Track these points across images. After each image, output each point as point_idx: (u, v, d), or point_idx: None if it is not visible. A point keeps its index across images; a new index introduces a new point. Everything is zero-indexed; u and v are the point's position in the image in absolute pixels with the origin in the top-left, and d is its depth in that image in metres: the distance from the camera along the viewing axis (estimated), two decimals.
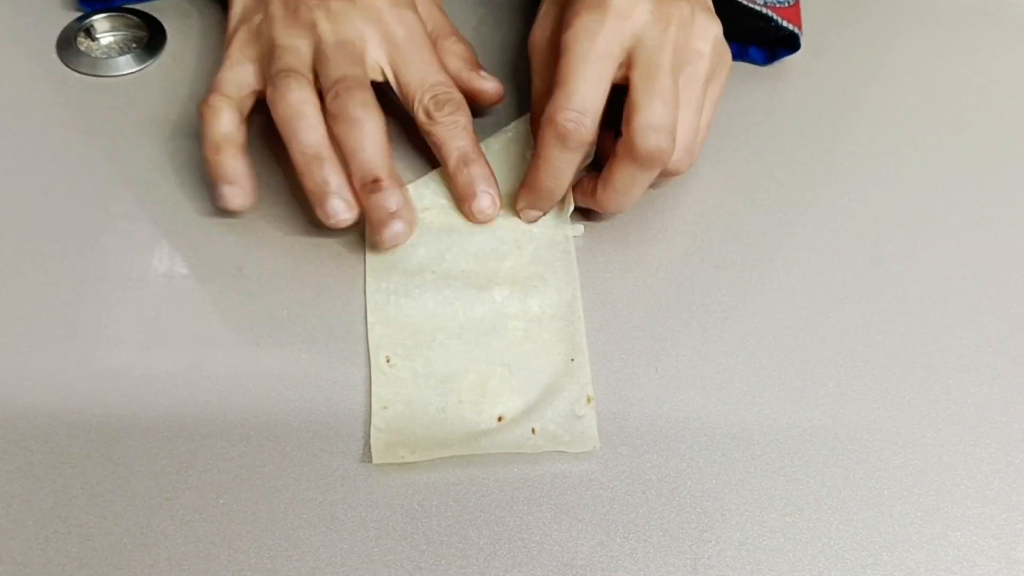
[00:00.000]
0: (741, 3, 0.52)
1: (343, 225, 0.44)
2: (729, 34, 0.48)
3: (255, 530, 0.39)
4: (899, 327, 0.47)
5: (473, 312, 0.45)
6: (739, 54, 0.56)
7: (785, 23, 0.53)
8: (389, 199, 0.44)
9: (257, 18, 0.48)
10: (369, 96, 0.44)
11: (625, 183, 0.44)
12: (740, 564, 0.39)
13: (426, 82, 0.47)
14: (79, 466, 0.40)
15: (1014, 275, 0.49)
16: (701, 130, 0.46)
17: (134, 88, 0.53)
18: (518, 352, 0.44)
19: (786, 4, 0.53)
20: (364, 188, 0.44)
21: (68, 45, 0.55)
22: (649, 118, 0.42)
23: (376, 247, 0.46)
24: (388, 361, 0.43)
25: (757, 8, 0.52)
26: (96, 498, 0.39)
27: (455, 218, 0.48)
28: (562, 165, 0.45)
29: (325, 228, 0.46)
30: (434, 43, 0.49)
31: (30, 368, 0.43)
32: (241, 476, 0.40)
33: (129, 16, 0.56)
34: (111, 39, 0.56)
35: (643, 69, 0.43)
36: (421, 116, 0.47)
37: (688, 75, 0.45)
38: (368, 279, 0.46)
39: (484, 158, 0.48)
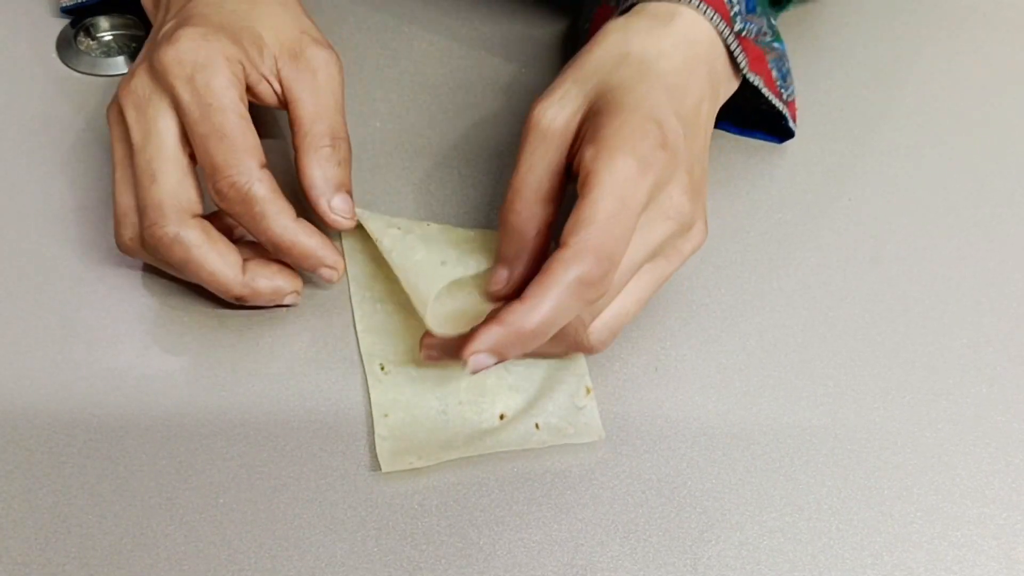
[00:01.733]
0: (765, 96, 0.49)
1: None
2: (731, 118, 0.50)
3: (255, 530, 0.39)
4: (899, 327, 0.47)
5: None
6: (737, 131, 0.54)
7: (791, 123, 0.51)
8: (259, 296, 0.43)
9: None
10: (171, 227, 0.40)
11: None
12: (740, 564, 0.39)
13: (210, 165, 0.41)
14: (79, 466, 0.40)
15: (1014, 275, 0.49)
16: (630, 315, 0.41)
17: None
18: None
19: (792, 97, 0.52)
20: (239, 301, 0.43)
21: (68, 45, 0.55)
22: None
23: None
24: (383, 369, 0.43)
25: (778, 106, 0.50)
26: (96, 498, 0.39)
27: (420, 251, 0.44)
28: (566, 313, 0.37)
29: (325, 227, 0.46)
30: (312, 141, 0.43)
31: (30, 368, 0.43)
32: (241, 476, 0.40)
33: (129, 16, 0.56)
34: (111, 38, 0.56)
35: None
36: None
37: (656, 267, 0.40)
38: (351, 287, 0.46)
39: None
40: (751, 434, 0.43)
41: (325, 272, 0.44)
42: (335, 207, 0.44)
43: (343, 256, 0.45)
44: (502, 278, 0.40)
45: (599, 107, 0.39)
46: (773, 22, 0.51)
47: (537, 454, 0.41)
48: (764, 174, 0.52)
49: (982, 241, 0.50)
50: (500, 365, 0.42)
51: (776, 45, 0.50)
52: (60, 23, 0.56)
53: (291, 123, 0.44)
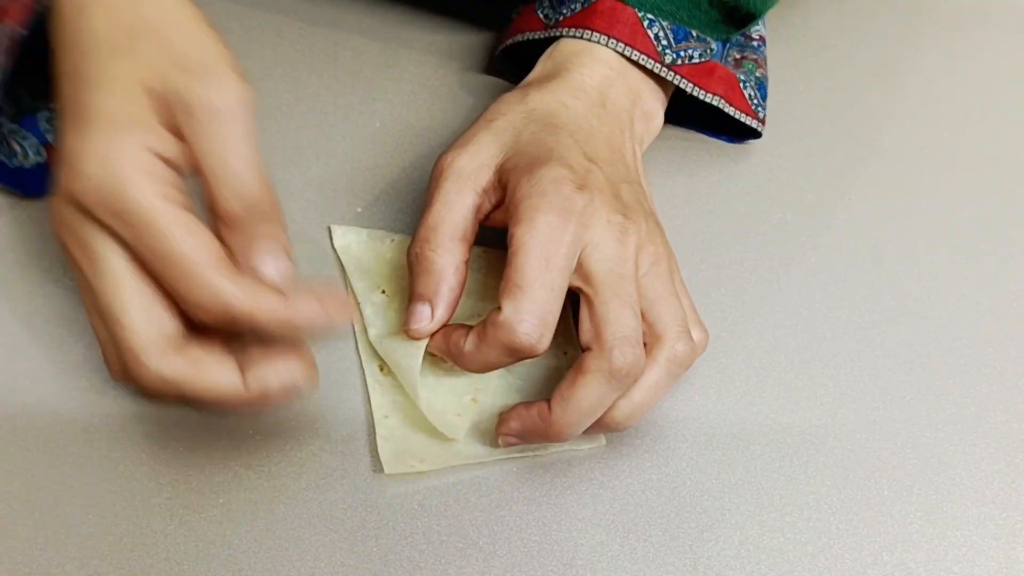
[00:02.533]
0: (706, 102, 0.50)
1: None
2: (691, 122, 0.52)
3: (255, 530, 0.39)
4: (899, 327, 0.47)
5: (462, 310, 0.44)
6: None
7: (749, 120, 0.51)
8: (269, 397, 0.36)
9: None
10: (152, 368, 0.35)
11: (592, 402, 0.38)
12: (740, 564, 0.39)
13: (174, 293, 0.34)
14: (79, 466, 0.40)
15: (1014, 275, 0.49)
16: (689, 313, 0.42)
17: None
18: None
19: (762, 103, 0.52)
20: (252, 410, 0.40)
21: None
22: (623, 330, 0.38)
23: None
24: (382, 370, 0.43)
25: (730, 111, 0.50)
26: (96, 498, 0.39)
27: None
28: (499, 363, 0.39)
29: (324, 226, 0.46)
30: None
31: (30, 368, 0.43)
32: (241, 476, 0.40)
33: None
34: None
35: (605, 279, 0.39)
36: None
37: (654, 273, 0.41)
38: (351, 287, 0.45)
39: None
40: (751, 434, 0.43)
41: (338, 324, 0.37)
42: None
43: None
44: (425, 315, 0.40)
45: (514, 164, 0.41)
46: (758, 25, 0.52)
47: (536, 454, 0.41)
48: (764, 174, 0.52)
49: (982, 241, 0.50)
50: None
51: (756, 54, 0.52)
52: None
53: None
